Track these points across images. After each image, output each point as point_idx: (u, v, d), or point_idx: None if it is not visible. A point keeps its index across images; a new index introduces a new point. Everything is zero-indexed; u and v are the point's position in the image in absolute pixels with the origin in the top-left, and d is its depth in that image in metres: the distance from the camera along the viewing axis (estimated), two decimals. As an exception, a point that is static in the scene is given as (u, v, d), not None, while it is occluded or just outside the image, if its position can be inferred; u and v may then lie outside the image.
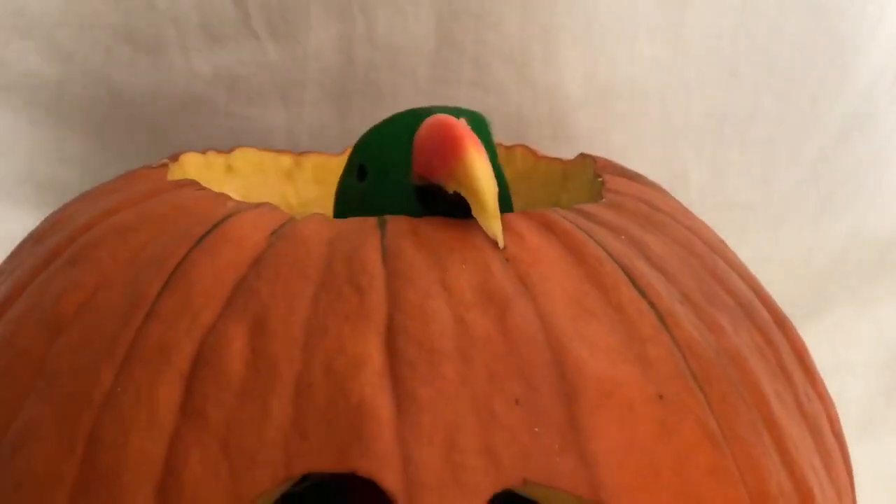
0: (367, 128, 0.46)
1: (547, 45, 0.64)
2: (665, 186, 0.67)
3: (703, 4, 0.66)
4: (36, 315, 0.38)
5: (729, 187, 0.71)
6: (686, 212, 0.47)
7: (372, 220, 0.38)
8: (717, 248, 0.44)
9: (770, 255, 0.72)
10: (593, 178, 0.48)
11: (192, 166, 0.50)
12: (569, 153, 0.66)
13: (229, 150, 0.53)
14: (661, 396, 0.35)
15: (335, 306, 0.35)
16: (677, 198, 0.68)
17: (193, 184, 0.43)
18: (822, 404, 0.43)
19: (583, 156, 0.51)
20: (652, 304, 0.38)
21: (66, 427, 0.35)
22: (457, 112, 0.40)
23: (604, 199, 0.44)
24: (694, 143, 0.69)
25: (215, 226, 0.39)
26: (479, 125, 0.43)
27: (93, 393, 0.35)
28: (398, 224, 0.38)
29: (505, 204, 0.41)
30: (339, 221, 0.39)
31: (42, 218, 0.46)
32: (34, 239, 0.44)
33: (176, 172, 0.47)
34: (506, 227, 0.38)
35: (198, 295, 0.36)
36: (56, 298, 0.38)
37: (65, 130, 0.66)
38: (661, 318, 0.37)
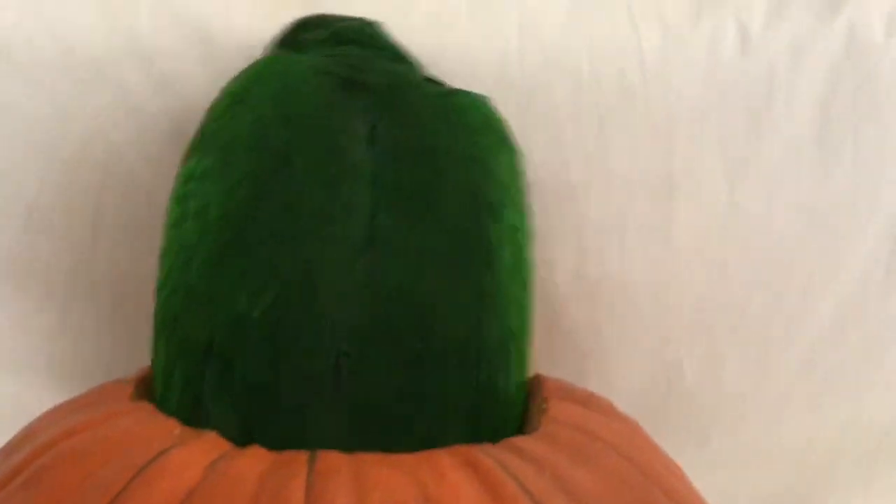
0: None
1: (537, 241, 0.66)
2: (659, 377, 0.69)
3: (691, 202, 0.68)
4: (-14, 540, 0.41)
5: (724, 377, 0.71)
6: (631, 438, 0.48)
7: (303, 456, 0.40)
8: (657, 477, 0.45)
9: (769, 444, 0.72)
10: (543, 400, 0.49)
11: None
12: (561, 346, 0.68)
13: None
14: None
15: (256, 544, 0.37)
16: (671, 388, 0.69)
17: (146, 408, 0.45)
18: None
19: (536, 377, 0.52)
20: (566, 544, 0.39)
21: None
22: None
23: (539, 430, 0.45)
24: (686, 334, 0.70)
25: (156, 457, 0.40)
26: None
27: None
28: (326, 461, 0.40)
29: None
30: (274, 455, 0.41)
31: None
32: (3, 454, 0.46)
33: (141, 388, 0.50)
34: (430, 466, 0.40)
35: (131, 528, 0.38)
36: (7, 523, 0.41)
37: (78, 315, 0.69)
38: (576, 557, 0.38)
